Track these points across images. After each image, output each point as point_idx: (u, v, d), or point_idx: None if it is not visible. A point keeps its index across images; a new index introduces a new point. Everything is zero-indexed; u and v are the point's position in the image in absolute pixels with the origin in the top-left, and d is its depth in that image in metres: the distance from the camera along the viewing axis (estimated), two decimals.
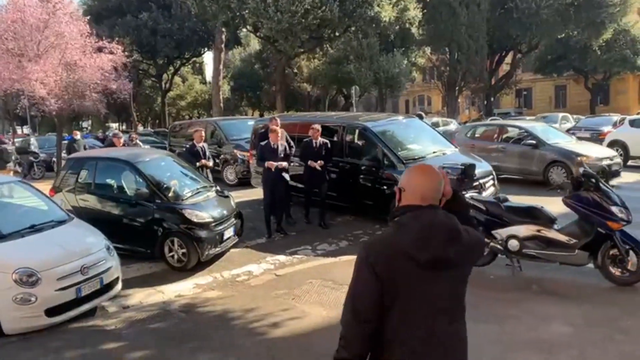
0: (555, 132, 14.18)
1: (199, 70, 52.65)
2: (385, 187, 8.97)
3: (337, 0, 22.88)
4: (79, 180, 7.91)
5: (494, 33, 34.84)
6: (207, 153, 9.87)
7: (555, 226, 6.05)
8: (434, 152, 9.33)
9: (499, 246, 6.24)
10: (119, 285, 6.17)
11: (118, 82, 21.48)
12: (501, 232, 6.23)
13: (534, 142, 12.67)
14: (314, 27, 24.49)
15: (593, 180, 5.74)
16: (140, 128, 45.37)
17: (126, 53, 24.60)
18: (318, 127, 9.07)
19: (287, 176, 8.78)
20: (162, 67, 38.74)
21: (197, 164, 9.42)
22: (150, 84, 45.40)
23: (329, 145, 9.12)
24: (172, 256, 7.36)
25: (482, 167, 9.27)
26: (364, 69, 28.46)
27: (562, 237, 5.89)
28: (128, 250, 7.57)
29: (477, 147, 13.83)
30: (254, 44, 45.66)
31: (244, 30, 33.20)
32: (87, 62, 20.50)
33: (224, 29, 30.02)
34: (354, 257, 6.28)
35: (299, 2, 22.60)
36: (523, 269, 6.30)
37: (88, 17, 24.14)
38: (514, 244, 6.13)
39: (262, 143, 8.86)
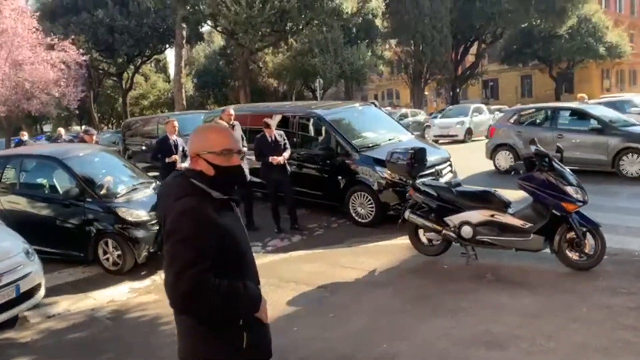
0: (616, 115, 11.98)
1: (163, 69, 51.45)
2: (340, 177, 8.58)
3: None
4: (3, 180, 7.29)
5: (458, 24, 34.86)
6: (184, 148, 8.15)
7: (510, 210, 5.71)
8: (390, 140, 8.96)
9: (451, 233, 5.87)
10: (41, 293, 5.60)
11: (67, 89, 20.64)
12: (453, 219, 5.87)
13: (599, 126, 10.72)
14: (275, 20, 23.99)
15: (546, 159, 5.40)
16: (106, 129, 44.09)
17: (81, 51, 23.72)
18: (270, 122, 8.17)
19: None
20: (121, 65, 37.60)
21: (167, 160, 7.97)
22: (111, 84, 44.17)
23: (285, 136, 8.33)
24: (107, 259, 6.82)
25: (438, 153, 8.94)
26: (329, 62, 28.06)
27: (517, 222, 5.55)
28: (61, 254, 7.03)
29: (525, 134, 11.43)
30: (218, 40, 44.82)
31: (206, 25, 32.40)
32: (35, 60, 19.71)
33: (184, 25, 29.23)
34: (305, 252, 5.80)
35: None
36: (479, 257, 5.96)
37: (38, 14, 23.10)
38: (467, 231, 5.77)
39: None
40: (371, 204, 8.17)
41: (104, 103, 45.88)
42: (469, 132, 22.11)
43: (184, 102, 31.15)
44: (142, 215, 6.83)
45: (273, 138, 8.05)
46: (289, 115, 9.49)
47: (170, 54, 67.03)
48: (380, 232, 7.91)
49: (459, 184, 6.22)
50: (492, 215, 5.69)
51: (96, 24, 32.26)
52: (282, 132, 8.38)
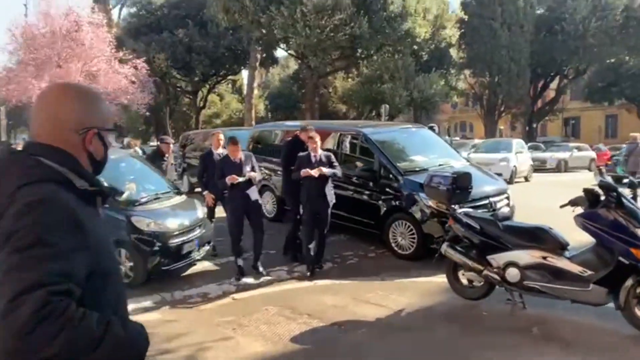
0: None
1: (239, 90, 52.76)
2: (381, 203, 7.83)
3: (366, 15, 21.98)
4: None
5: (539, 56, 33.22)
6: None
7: (567, 253, 4.76)
8: (440, 165, 8.13)
9: (495, 275, 4.98)
10: None
11: (133, 95, 21.30)
12: (498, 258, 4.98)
13: None
14: (345, 45, 23.73)
15: (614, 194, 4.44)
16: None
17: (148, 71, 24.48)
18: (316, 136, 6.99)
19: (255, 195, 6.83)
20: (197, 84, 38.77)
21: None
22: (187, 102, 45.65)
23: (333, 158, 7.05)
24: (121, 269, 6.40)
25: (494, 183, 8.03)
26: (398, 89, 27.39)
27: (574, 268, 4.59)
28: None
29: None
30: (293, 65, 45.45)
31: (279, 48, 32.79)
32: (108, 72, 20.41)
33: (258, 47, 29.69)
34: (332, 282, 5.07)
35: (328, 17, 21.87)
36: (527, 306, 5.03)
37: (114, 30, 24.07)
38: (513, 274, 4.86)
39: (222, 158, 7.05)
40: (413, 234, 7.36)
41: (179, 119, 47.40)
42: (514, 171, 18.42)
43: (253, 123, 31.48)
44: (159, 226, 6.40)
45: (317, 158, 6.88)
46: (333, 132, 8.88)
47: (246, 76, 69.18)
48: (421, 266, 7.06)
49: (507, 218, 5.33)
50: (544, 258, 4.76)
51: (176, 43, 33.41)
52: (329, 154, 7.16)
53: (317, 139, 7.03)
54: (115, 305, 1.41)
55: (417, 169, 7.84)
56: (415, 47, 25.49)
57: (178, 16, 34.66)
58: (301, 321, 5.10)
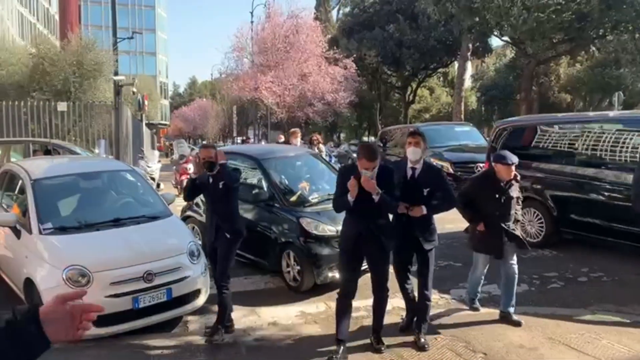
0: None
1: (450, 83, 51.05)
2: None
3: None
4: None
5: None
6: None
7: None
8: None
9: None
10: (200, 300, 5.16)
11: (337, 94, 21.92)
12: None
13: None
14: (569, 25, 20.77)
15: None
16: None
17: (355, 69, 24.85)
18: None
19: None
20: (406, 79, 38.44)
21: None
22: (397, 97, 45.66)
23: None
24: (289, 272, 6.15)
25: None
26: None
27: None
28: (250, 260, 6.68)
29: None
30: (510, 53, 42.21)
31: (493, 36, 30.49)
32: (319, 73, 21.22)
33: (469, 36, 28.00)
34: (524, 311, 4.04)
35: None
36: None
37: (331, 31, 24.93)
38: None
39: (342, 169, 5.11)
40: None
41: (389, 115, 47.73)
42: None
43: (462, 116, 29.89)
44: (329, 229, 5.94)
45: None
46: (612, 124, 7.17)
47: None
48: None
49: None
50: None
51: (386, 38, 33.47)
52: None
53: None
54: None
55: None
56: None
57: (389, 12, 34.66)
58: None
